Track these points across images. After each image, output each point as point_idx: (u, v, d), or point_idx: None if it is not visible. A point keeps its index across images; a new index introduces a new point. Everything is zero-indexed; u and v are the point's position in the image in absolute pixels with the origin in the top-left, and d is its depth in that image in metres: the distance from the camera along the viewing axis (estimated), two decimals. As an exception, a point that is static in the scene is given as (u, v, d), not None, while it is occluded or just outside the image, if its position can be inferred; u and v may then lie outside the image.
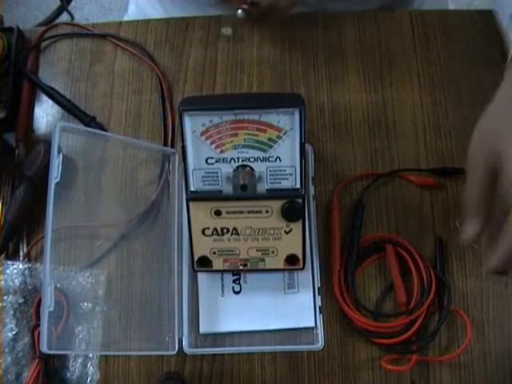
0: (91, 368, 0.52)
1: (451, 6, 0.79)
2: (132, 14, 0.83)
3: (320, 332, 0.50)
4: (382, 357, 0.52)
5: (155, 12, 0.77)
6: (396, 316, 0.53)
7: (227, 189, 0.48)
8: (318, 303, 0.52)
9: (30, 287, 0.54)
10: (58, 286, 0.53)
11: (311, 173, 0.55)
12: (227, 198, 0.48)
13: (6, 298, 0.54)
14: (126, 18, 0.83)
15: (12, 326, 0.53)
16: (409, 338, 0.51)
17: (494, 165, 0.40)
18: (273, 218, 0.49)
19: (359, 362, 0.53)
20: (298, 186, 0.47)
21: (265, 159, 0.46)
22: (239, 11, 0.57)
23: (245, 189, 0.47)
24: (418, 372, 0.52)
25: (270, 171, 0.47)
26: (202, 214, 0.49)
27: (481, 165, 0.41)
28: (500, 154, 0.40)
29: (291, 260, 0.51)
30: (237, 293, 0.54)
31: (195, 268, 0.52)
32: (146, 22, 0.64)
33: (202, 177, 0.48)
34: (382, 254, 0.55)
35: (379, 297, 0.54)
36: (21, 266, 0.55)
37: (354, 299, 0.53)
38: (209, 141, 0.46)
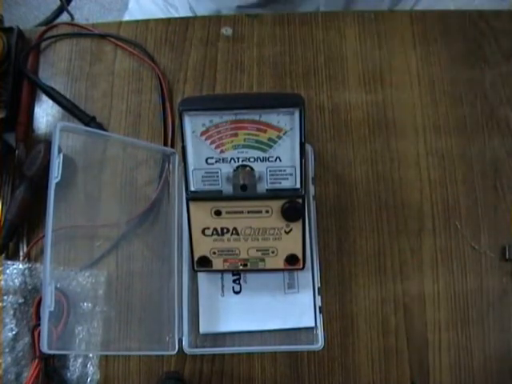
0: (91, 368, 0.52)
1: (451, 6, 0.79)
2: (132, 10, 0.82)
3: (320, 332, 0.50)
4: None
5: (155, 7, 0.77)
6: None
7: (227, 189, 0.48)
8: (318, 303, 0.52)
9: (30, 287, 0.54)
10: (58, 285, 0.53)
11: (311, 173, 0.55)
12: (227, 198, 0.48)
13: (5, 297, 0.54)
14: (126, 15, 0.83)
15: (12, 325, 0.53)
16: None
17: None
18: (273, 218, 0.49)
19: (359, 362, 0.53)
20: (298, 186, 0.47)
21: (265, 159, 0.46)
22: None
23: (245, 189, 0.47)
24: (418, 373, 0.52)
25: (270, 171, 0.47)
26: (202, 214, 0.49)
27: None
28: None
29: (291, 260, 0.51)
30: (237, 293, 0.54)
31: (195, 268, 0.52)
32: (146, 22, 0.64)
33: (202, 177, 0.48)
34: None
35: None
36: (21, 266, 0.55)
37: None
38: (209, 141, 0.46)
